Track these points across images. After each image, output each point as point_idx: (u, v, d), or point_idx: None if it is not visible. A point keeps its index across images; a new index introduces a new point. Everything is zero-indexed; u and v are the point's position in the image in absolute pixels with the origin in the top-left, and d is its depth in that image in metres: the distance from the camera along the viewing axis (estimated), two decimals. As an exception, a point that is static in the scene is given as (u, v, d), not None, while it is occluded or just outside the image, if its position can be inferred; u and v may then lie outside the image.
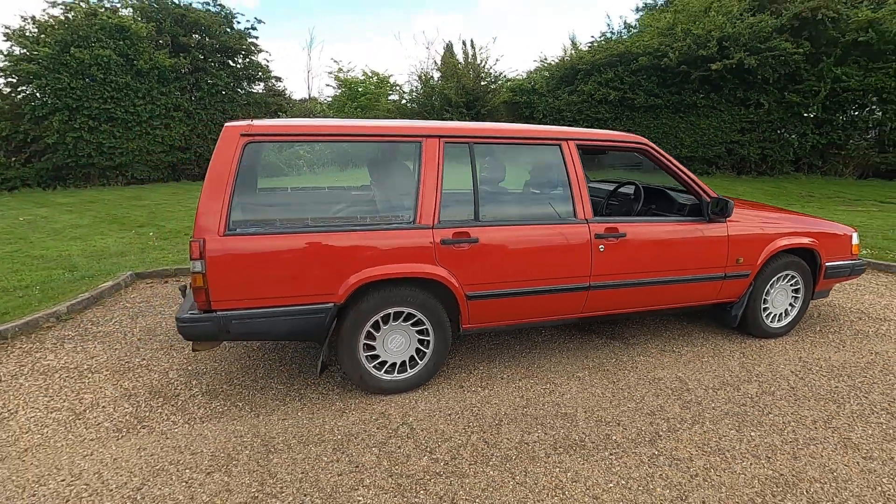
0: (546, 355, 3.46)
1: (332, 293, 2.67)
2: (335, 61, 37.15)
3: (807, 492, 2.16)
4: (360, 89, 22.89)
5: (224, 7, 15.64)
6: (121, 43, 13.19)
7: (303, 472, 2.27)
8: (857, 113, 15.44)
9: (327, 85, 38.34)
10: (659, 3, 28.07)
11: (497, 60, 31.43)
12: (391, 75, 24.27)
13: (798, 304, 3.77)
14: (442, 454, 2.40)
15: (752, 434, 2.57)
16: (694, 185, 3.36)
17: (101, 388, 3.02)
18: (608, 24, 33.26)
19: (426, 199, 2.79)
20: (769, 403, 2.86)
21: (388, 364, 2.91)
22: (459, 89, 19.98)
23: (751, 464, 2.34)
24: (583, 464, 2.33)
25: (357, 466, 2.31)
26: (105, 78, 13.15)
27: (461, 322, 2.96)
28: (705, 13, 15.95)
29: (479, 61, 20.67)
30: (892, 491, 2.16)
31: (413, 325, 2.89)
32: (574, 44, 23.74)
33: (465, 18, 51.64)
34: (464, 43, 24.22)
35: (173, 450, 2.43)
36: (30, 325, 3.87)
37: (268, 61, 16.72)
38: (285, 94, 18.87)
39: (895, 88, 14.51)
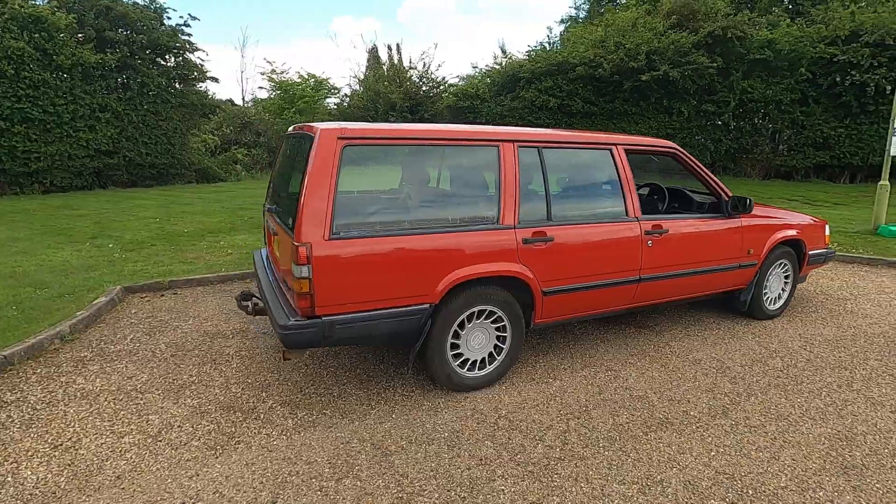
0: (592, 346, 3.70)
1: (429, 294, 2.71)
2: (268, 62, 35.70)
3: (864, 443, 2.55)
4: (296, 93, 22.19)
5: (154, 0, 14.55)
6: (36, 35, 11.86)
7: (432, 470, 2.31)
8: (761, 121, 17.49)
9: (260, 87, 36.64)
10: (580, 16, 29.96)
11: (440, 66, 31.87)
12: (328, 78, 23.75)
13: (788, 289, 4.33)
14: (552, 441, 2.54)
15: (799, 400, 2.96)
16: (715, 185, 3.77)
17: (162, 407, 2.82)
18: (548, 35, 34.84)
19: (508, 200, 2.91)
20: (797, 374, 3.29)
21: (469, 362, 2.99)
22: (403, 94, 20.06)
23: (811, 425, 2.71)
24: (679, 438, 2.58)
25: (481, 460, 2.39)
26: (17, 73, 11.76)
27: (534, 317, 3.12)
28: (633, 28, 17.29)
29: (423, 66, 20.86)
30: (924, 435, 2.62)
31: (493, 322, 3.00)
32: (504, 51, 24.69)
33: (384, 26, 51.79)
34: (389, 48, 24.30)
35: (285, 461, 2.36)
36: (35, 349, 3.48)
37: (202, 61, 15.74)
38: (209, 96, 17.87)
39: (790, 100, 16.63)
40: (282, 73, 22.84)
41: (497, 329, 3.03)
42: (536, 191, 3.05)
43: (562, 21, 33.51)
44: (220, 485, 2.20)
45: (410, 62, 20.86)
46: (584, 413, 2.80)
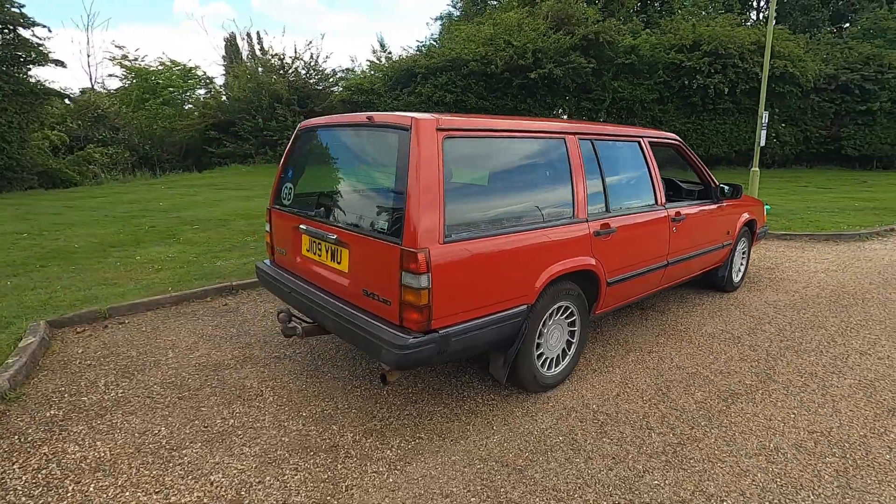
0: (618, 331, 3.85)
1: (527, 294, 2.57)
2: (117, 46, 30.65)
3: (885, 386, 3.02)
4: (160, 81, 19.55)
5: (-32, -39, 11.60)
6: None
7: (578, 478, 2.21)
8: (629, 118, 19.72)
9: (110, 75, 31.05)
10: (455, 15, 30.78)
11: (327, 58, 30.22)
12: (196, 66, 21.31)
13: (745, 263, 4.96)
14: (659, 427, 2.59)
15: (812, 358, 3.41)
16: (707, 174, 4.14)
17: (218, 463, 2.29)
18: (430, 31, 35.06)
19: (580, 193, 2.88)
20: (792, 335, 3.79)
21: (547, 360, 2.91)
22: (288, 86, 18.81)
23: (838, 378, 3.14)
24: (755, 406, 2.80)
25: (614, 458, 2.35)
26: None
27: (594, 309, 3.14)
28: (518, 28, 18.25)
29: (309, 57, 19.73)
30: (912, 374, 3.18)
31: (566, 318, 2.96)
32: (382, 46, 24.46)
33: (237, 12, 48.08)
34: (249, 36, 22.63)
35: (420, 499, 2.07)
36: (-27, 417, 2.59)
37: (42, 39, 12.97)
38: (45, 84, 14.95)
39: (651, 99, 19.01)
40: (135, 59, 19.93)
41: (569, 324, 3.00)
42: (596, 183, 3.06)
43: (438, 18, 34.11)
44: (366, 542, 1.86)
45: (297, 53, 19.55)
46: (663, 396, 2.91)
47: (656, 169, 3.56)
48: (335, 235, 2.56)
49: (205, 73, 21.19)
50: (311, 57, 19.83)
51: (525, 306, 2.57)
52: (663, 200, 3.56)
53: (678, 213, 3.63)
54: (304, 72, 20.03)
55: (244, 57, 25.38)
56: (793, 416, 2.71)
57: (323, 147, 3.00)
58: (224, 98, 19.90)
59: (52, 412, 2.70)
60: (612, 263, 3.06)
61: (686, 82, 18.45)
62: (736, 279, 4.82)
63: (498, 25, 18.64)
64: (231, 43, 33.31)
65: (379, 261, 2.31)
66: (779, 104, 19.54)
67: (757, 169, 9.17)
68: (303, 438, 2.48)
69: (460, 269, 2.28)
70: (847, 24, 24.18)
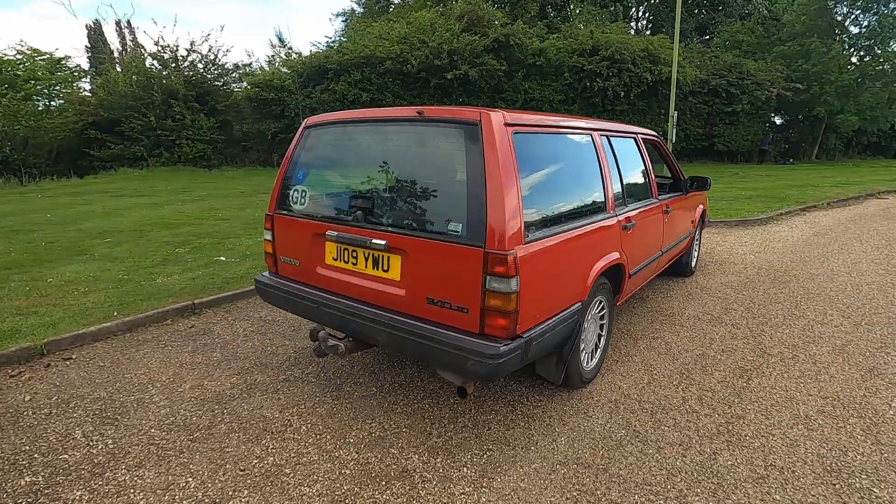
0: (619, 322, 3.98)
1: (582, 291, 2.55)
2: None
3: (854, 350, 3.45)
4: (17, 73, 16.79)
5: None
6: None
7: (661, 468, 2.23)
8: (539, 117, 20.72)
9: None
10: (358, 12, 30.12)
11: (227, 52, 27.73)
12: (66, 57, 18.62)
13: (698, 249, 5.41)
14: (705, 410, 2.71)
15: (786, 332, 3.80)
16: (677, 167, 4.44)
17: (306, 501, 1.98)
18: (335, 29, 33.67)
19: (608, 188, 2.92)
20: (758, 312, 4.20)
21: (586, 355, 2.92)
22: (184, 81, 17.16)
23: (815, 345, 3.52)
24: (770, 379, 3.05)
25: (682, 445, 2.41)
26: None
27: (616, 301, 3.21)
28: (432, 28, 18.32)
29: (207, 50, 18.13)
30: (866, 332, 3.66)
31: (599, 311, 2.99)
32: (282, 41, 23.31)
33: None
34: (119, 24, 20.39)
35: (524, 516, 1.96)
36: (-80, 498, 1.99)
37: None
38: None
39: (558, 100, 20.14)
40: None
41: (600, 318, 3.03)
42: (616, 178, 3.13)
43: (340, 14, 33.19)
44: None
45: (192, 46, 17.82)
46: (688, 379, 3.05)
47: (649, 163, 3.74)
48: (384, 241, 2.33)
49: (78, 65, 18.52)
50: (210, 50, 18.22)
51: (580, 303, 2.55)
52: (656, 193, 3.75)
53: (668, 206, 3.85)
54: (201, 66, 18.35)
55: (116, 48, 22.55)
56: (802, 385, 2.99)
57: (347, 145, 2.72)
58: (91, 92, 17.55)
59: (27, 479, 2.16)
60: (632, 256, 3.16)
61: (588, 84, 19.79)
62: (693, 264, 5.24)
63: (411, 24, 18.56)
64: (95, 32, 29.29)
65: (452, 266, 2.14)
66: (665, 105, 21.74)
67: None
68: (364, 467, 2.23)
69: (539, 270, 2.19)
70: (708, 37, 27.50)
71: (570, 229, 2.45)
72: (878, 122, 24.50)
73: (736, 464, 2.27)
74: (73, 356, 3.35)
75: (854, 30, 24.40)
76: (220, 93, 18.36)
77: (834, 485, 2.12)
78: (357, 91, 17.47)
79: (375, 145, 2.57)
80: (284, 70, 18.72)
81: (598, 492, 2.09)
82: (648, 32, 24.36)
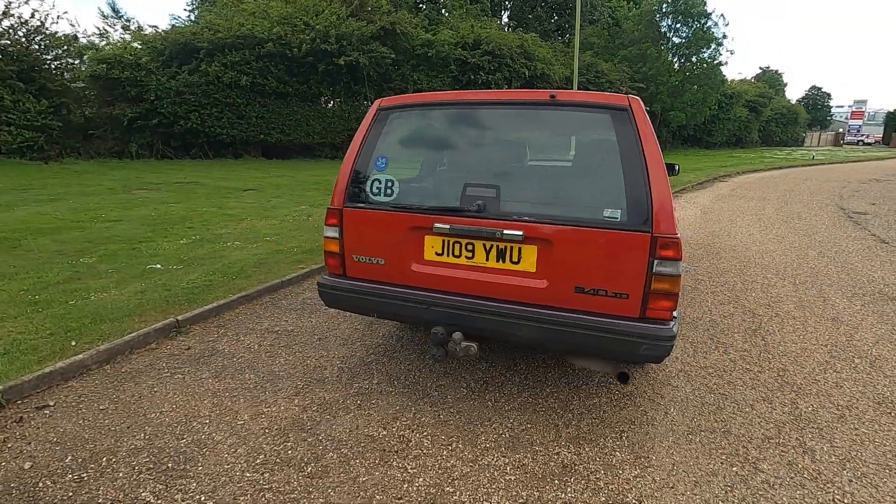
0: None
1: None
2: None
3: (810, 300, 4.17)
4: None
5: None
6: None
7: (767, 424, 2.49)
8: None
9: None
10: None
11: (58, 18, 22.47)
12: None
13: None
14: (755, 368, 3.07)
15: (760, 294, 4.44)
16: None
17: (481, 532, 1.79)
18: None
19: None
20: (722, 280, 4.85)
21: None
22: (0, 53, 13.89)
23: (786, 297, 4.19)
24: (780, 335, 3.56)
25: (763, 399, 2.70)
26: None
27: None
28: (315, 10, 17.29)
29: (31, 15, 14.81)
30: (805, 288, 4.46)
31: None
32: (117, 13, 20.13)
33: None
34: None
35: (703, 480, 2.05)
36: None
37: None
38: None
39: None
40: None
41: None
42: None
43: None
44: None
45: (9, 7, 14.37)
46: (722, 345, 3.43)
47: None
48: (520, 232, 2.19)
49: None
50: (34, 15, 14.90)
51: None
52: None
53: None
54: (22, 34, 14.96)
55: None
56: (802, 337, 3.55)
57: (452, 129, 2.47)
58: None
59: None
60: None
61: (472, 77, 20.50)
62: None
63: (291, 3, 17.31)
64: None
65: (609, 253, 2.10)
66: (538, 100, 23.47)
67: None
68: (525, 470, 2.11)
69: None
70: (567, 37, 30.29)
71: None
72: (696, 117, 29.46)
73: (816, 408, 2.62)
74: (50, 402, 2.58)
75: (676, 40, 28.87)
76: (52, 70, 15.17)
77: (890, 413, 2.59)
78: (235, 73, 15.82)
79: (495, 130, 2.39)
80: (136, 45, 16.16)
81: (739, 452, 2.26)
82: (517, 29, 25.89)
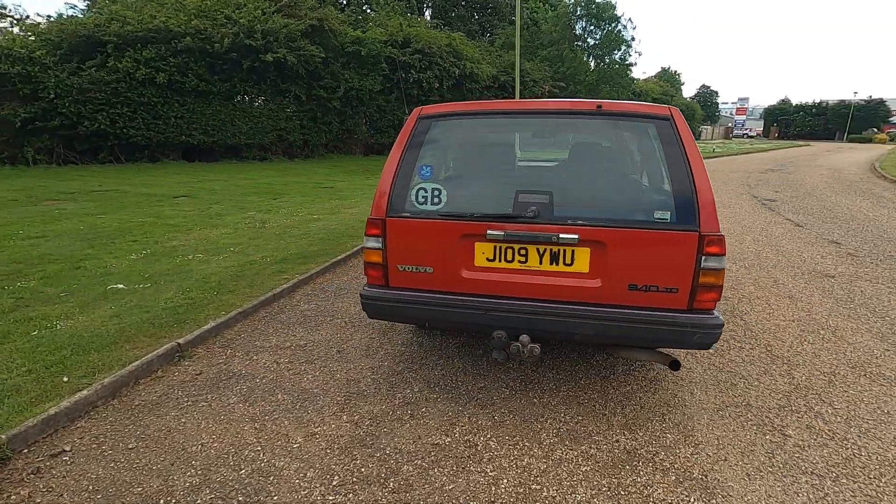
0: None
1: None
2: None
3: (774, 280, 4.71)
4: None
5: None
6: None
7: (794, 389, 2.81)
8: (359, 106, 20.46)
9: None
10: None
11: None
12: None
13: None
14: (792, 326, 3.44)
15: (728, 274, 4.91)
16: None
17: None
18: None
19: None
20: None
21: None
22: None
23: (751, 279, 4.68)
24: (775, 308, 3.99)
25: (786, 362, 3.05)
26: None
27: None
28: (236, 3, 16.36)
29: None
30: (759, 270, 5.02)
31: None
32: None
33: None
34: None
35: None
36: None
37: None
38: None
39: (377, 90, 20.26)
40: None
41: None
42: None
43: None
44: (785, 502, 2.00)
45: None
46: (740, 316, 3.78)
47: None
48: (575, 235, 2.30)
49: None
50: None
51: None
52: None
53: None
54: None
55: None
56: (775, 314, 3.99)
57: (497, 137, 2.51)
58: None
59: None
60: None
61: (403, 75, 20.44)
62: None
63: (208, -4, 16.24)
64: None
65: (660, 251, 2.27)
66: (468, 98, 23.87)
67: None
68: (612, 457, 2.24)
69: None
70: (490, 37, 31.06)
71: None
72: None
73: (808, 377, 2.99)
74: (65, 447, 2.32)
75: (591, 41, 30.63)
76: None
77: (865, 375, 3.02)
78: (149, 70, 14.59)
79: (543, 138, 2.47)
80: (29, 37, 14.41)
81: (765, 422, 2.54)
82: (443, 28, 26.14)
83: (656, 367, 3.09)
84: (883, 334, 3.58)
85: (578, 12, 28.82)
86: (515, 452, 2.29)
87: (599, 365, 3.10)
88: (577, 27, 30.06)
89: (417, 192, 2.49)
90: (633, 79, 31.89)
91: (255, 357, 3.20)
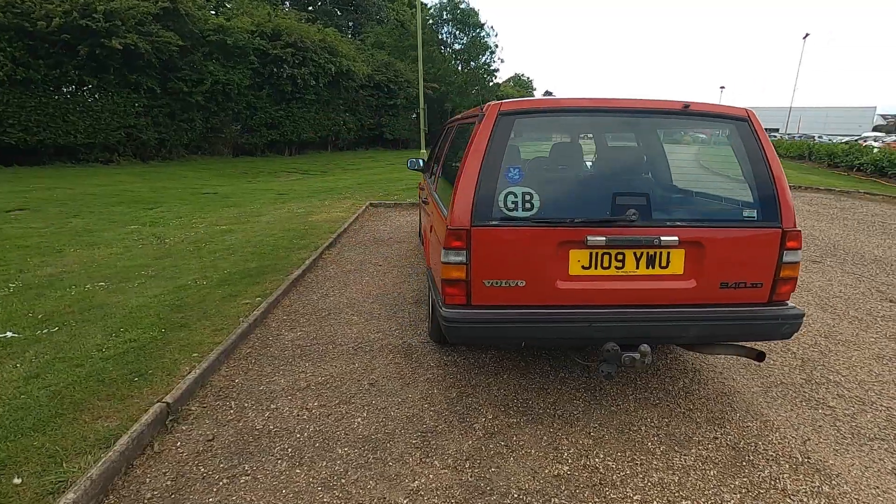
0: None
1: None
2: None
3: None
4: None
5: None
6: None
7: (851, 367, 3.11)
8: (226, 103, 18.42)
9: None
10: None
11: None
12: None
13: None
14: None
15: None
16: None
17: None
18: None
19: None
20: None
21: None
22: None
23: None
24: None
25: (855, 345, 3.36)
26: None
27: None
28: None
29: None
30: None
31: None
32: None
33: None
34: None
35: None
36: None
37: None
38: None
39: (246, 85, 18.48)
40: None
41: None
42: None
43: None
44: (881, 470, 2.19)
45: None
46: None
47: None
48: (675, 237, 2.25)
49: None
50: None
51: None
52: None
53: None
54: None
55: None
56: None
57: (580, 137, 2.30)
58: None
59: None
60: None
61: (275, 69, 18.95)
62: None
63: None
64: None
65: (748, 248, 2.32)
66: (344, 97, 23.03)
67: (425, 151, 11.23)
68: (726, 453, 2.22)
69: None
70: (361, 36, 30.41)
71: None
72: (479, 117, 32.90)
73: (806, 350, 3.37)
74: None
75: (457, 46, 31.75)
76: None
77: (842, 343, 3.50)
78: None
79: (630, 137, 2.35)
80: None
81: (809, 397, 2.77)
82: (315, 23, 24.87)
83: (677, 357, 3.21)
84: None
85: (444, 16, 29.64)
86: (639, 468, 2.17)
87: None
88: (442, 31, 30.89)
89: (507, 197, 2.22)
90: (497, 84, 33.84)
91: (272, 406, 2.59)
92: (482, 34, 30.59)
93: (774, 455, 2.26)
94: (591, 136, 2.44)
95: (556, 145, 2.49)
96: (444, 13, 29.56)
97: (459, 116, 3.97)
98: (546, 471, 2.14)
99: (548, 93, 76.06)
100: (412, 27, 30.37)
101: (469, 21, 29.65)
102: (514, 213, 2.23)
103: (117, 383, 2.66)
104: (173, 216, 7.99)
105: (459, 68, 31.90)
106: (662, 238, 2.24)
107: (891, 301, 4.28)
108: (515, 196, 2.23)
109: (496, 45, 33.72)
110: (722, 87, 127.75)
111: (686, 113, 2.37)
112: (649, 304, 2.31)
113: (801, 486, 2.07)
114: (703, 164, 2.64)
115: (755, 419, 2.54)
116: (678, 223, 2.28)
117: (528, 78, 59.29)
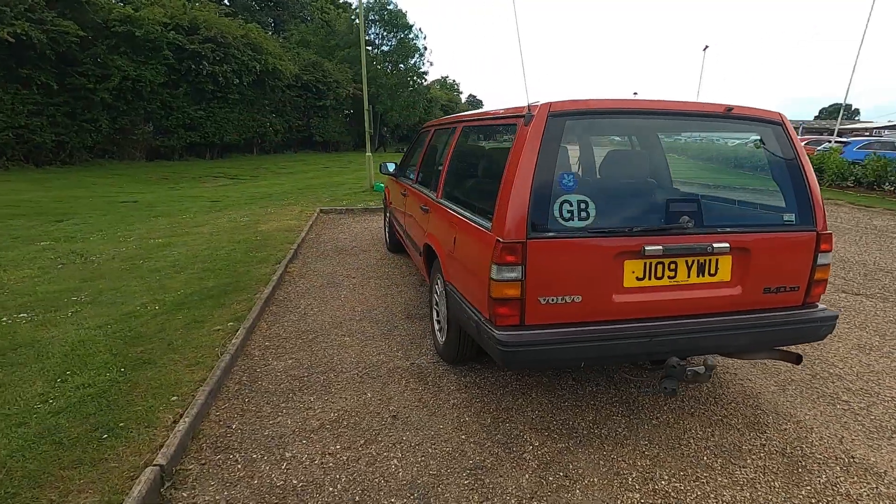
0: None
1: None
2: None
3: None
4: None
5: None
6: None
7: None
8: (136, 101, 16.68)
9: None
10: None
11: None
12: None
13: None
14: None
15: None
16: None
17: None
18: None
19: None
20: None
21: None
22: None
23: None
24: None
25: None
26: None
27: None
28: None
29: None
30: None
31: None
32: None
33: None
34: None
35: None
36: None
37: None
38: None
39: (160, 83, 16.90)
40: None
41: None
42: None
43: None
44: None
45: None
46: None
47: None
48: (727, 244, 2.17)
49: None
50: None
51: None
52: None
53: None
54: None
55: None
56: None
57: (631, 140, 2.14)
58: None
59: None
60: None
61: (193, 66, 17.52)
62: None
63: None
64: None
65: (788, 253, 2.30)
66: (271, 97, 21.80)
67: (370, 154, 10.79)
68: (779, 461, 2.17)
69: None
70: (285, 34, 29.04)
71: None
72: (409, 118, 32.74)
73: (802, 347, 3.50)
74: None
75: (385, 48, 31.30)
76: None
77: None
78: None
79: (677, 141, 2.23)
80: None
81: (824, 393, 2.83)
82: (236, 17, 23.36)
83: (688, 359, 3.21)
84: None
85: (371, 17, 29.07)
86: (707, 487, 2.06)
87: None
88: (369, 32, 30.30)
89: (562, 205, 2.03)
90: (427, 87, 33.76)
91: (287, 455, 2.22)
92: (410, 36, 30.40)
93: (823, 458, 2.26)
94: (637, 138, 2.34)
95: (611, 147, 2.35)
96: (371, 13, 29.00)
97: (448, 119, 3.74)
98: (619, 501, 1.97)
99: (471, 96, 77.22)
100: (338, 26, 29.53)
101: (397, 22, 29.32)
102: (570, 224, 2.04)
103: (81, 444, 2.15)
104: (92, 229, 7.02)
105: (389, 70, 31.46)
106: (715, 245, 2.17)
107: (843, 292, 4.62)
108: (571, 205, 2.04)
109: (425, 48, 33.65)
110: (635, 93, 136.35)
111: (727, 116, 2.32)
112: (700, 314, 2.23)
113: (861, 488, 2.07)
114: (750, 166, 2.63)
115: (787, 420, 2.55)
116: (728, 229, 2.21)
117: (456, 81, 59.95)
